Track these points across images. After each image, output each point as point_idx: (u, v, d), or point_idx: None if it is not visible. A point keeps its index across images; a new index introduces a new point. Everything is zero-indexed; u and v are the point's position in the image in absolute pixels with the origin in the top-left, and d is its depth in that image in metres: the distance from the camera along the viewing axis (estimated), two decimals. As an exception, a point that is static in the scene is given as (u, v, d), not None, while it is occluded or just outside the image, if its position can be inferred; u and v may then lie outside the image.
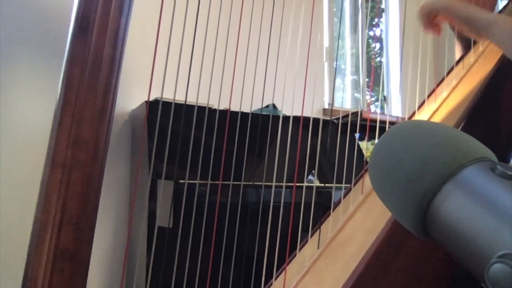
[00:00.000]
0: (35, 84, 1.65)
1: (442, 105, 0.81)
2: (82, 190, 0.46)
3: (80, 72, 0.44)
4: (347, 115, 1.93)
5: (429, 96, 0.86)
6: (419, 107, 0.86)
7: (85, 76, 0.44)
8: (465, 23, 0.70)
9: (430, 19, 0.75)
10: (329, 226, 0.72)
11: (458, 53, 0.94)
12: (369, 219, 0.69)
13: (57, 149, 0.45)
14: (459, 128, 0.68)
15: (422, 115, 0.82)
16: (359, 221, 0.70)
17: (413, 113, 0.86)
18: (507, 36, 0.63)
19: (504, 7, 0.94)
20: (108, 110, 0.46)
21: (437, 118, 0.78)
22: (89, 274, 0.50)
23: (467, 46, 0.92)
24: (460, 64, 0.90)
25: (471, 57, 0.89)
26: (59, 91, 0.45)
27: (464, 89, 0.80)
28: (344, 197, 0.77)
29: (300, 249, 0.72)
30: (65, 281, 0.48)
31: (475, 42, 0.91)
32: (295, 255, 0.72)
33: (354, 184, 0.79)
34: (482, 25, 0.67)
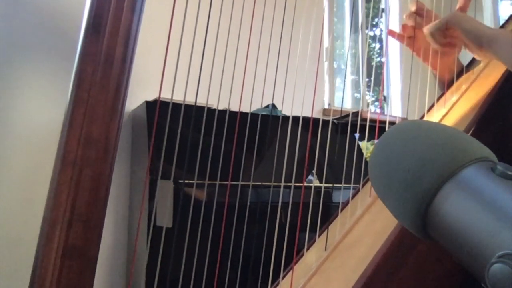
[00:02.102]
0: (44, 83, 1.65)
1: (452, 110, 0.80)
2: (92, 188, 0.47)
3: (92, 70, 0.44)
4: (347, 115, 1.94)
5: (438, 99, 0.85)
6: (428, 110, 0.85)
7: (97, 75, 0.44)
8: (469, 37, 0.71)
9: (442, 35, 0.75)
10: (337, 227, 0.72)
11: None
12: (378, 221, 0.68)
13: (68, 147, 0.45)
14: (470, 133, 0.68)
15: (432, 119, 0.81)
16: (367, 224, 0.70)
17: (423, 116, 0.85)
18: (509, 51, 0.64)
19: (506, 22, 0.93)
20: (119, 109, 0.46)
21: (446, 123, 0.77)
22: (91, 272, 0.51)
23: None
24: (470, 69, 0.89)
25: (480, 62, 0.88)
26: (70, 89, 0.45)
27: (474, 94, 0.79)
28: (352, 198, 0.77)
29: (307, 250, 0.72)
30: (74, 278, 0.48)
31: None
32: (302, 255, 0.72)
33: (362, 186, 0.79)
34: (485, 39, 0.68)
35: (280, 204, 0.85)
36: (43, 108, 1.63)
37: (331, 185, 1.52)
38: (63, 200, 0.46)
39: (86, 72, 0.44)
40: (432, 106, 0.85)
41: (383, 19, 2.91)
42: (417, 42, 0.85)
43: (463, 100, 0.81)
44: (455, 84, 0.87)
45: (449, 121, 0.78)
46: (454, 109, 0.80)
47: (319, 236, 0.72)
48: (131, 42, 0.47)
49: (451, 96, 0.85)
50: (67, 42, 1.60)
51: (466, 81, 0.86)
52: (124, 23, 0.45)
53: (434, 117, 0.82)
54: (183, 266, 0.66)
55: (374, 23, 3.00)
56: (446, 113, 0.81)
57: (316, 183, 1.63)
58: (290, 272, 0.68)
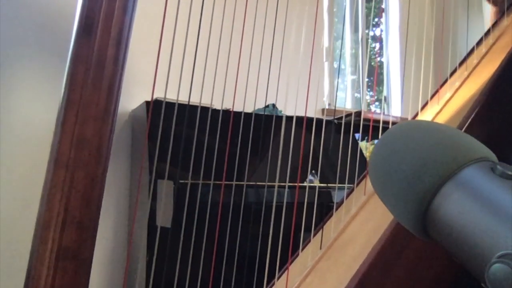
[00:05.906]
0: (38, 84, 1.65)
1: (445, 107, 0.81)
2: (85, 189, 0.47)
3: (84, 71, 0.44)
4: (347, 115, 1.93)
5: (432, 97, 0.87)
6: (422, 108, 0.86)
7: (89, 76, 0.44)
8: None
9: None
10: (331, 226, 0.72)
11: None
12: (371, 220, 0.68)
13: (61, 148, 0.45)
14: (463, 129, 0.68)
15: (425, 116, 0.82)
16: (362, 222, 0.70)
17: (416, 114, 0.86)
18: None
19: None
20: (112, 110, 0.46)
21: (440, 120, 0.78)
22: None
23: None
24: (463, 66, 0.90)
25: (474, 58, 0.90)
26: (62, 90, 0.45)
27: (467, 91, 0.80)
28: (347, 197, 0.77)
29: (303, 249, 0.72)
30: (68, 279, 0.48)
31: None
32: (297, 255, 0.72)
33: (357, 185, 0.79)
34: None
35: (275, 204, 0.84)
36: (39, 108, 1.63)
37: (330, 185, 1.51)
38: (56, 202, 0.46)
39: (78, 74, 0.44)
40: (426, 103, 0.86)
41: (383, 19, 2.91)
42: None
43: (456, 96, 0.82)
44: (449, 81, 0.88)
45: (443, 118, 0.79)
46: (448, 105, 0.81)
47: (314, 235, 0.72)
48: (123, 43, 0.46)
49: (444, 93, 0.85)
50: (63, 41, 1.60)
51: (459, 78, 0.87)
52: (116, 25, 0.45)
53: (428, 113, 0.83)
54: (176, 266, 0.66)
55: (374, 23, 2.99)
56: (440, 110, 0.82)
57: (316, 183, 1.62)
58: (286, 271, 0.68)
